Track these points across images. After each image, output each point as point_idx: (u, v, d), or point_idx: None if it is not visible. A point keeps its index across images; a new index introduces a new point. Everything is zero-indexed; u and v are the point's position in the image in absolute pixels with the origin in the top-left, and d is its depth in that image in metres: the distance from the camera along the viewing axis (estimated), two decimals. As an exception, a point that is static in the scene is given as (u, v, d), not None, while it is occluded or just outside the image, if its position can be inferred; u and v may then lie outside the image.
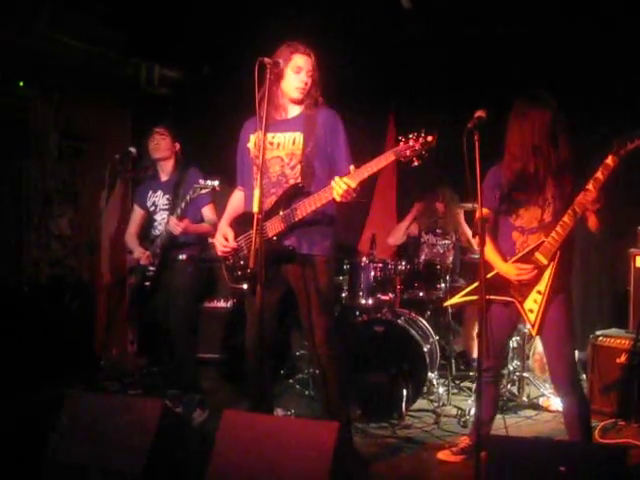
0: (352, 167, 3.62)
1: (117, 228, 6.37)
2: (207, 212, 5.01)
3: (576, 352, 3.98)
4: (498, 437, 3.01)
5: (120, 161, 4.94)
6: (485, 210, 3.51)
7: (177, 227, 4.71)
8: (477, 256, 5.48)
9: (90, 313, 5.91)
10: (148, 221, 5.18)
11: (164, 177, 5.12)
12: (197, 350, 5.37)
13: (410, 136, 3.47)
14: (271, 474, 2.83)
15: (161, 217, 5.02)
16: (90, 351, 5.72)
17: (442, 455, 4.17)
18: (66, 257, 6.26)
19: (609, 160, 3.49)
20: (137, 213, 5.27)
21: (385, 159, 3.53)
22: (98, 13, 6.19)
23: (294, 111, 3.93)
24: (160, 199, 5.07)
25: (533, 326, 3.73)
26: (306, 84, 3.84)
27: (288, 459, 2.83)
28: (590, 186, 3.51)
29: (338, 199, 3.55)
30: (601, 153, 3.55)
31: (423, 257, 5.99)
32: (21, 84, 5.69)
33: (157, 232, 5.03)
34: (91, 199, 6.56)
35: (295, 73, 3.82)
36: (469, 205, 5.72)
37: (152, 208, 5.08)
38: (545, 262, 3.69)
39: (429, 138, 3.44)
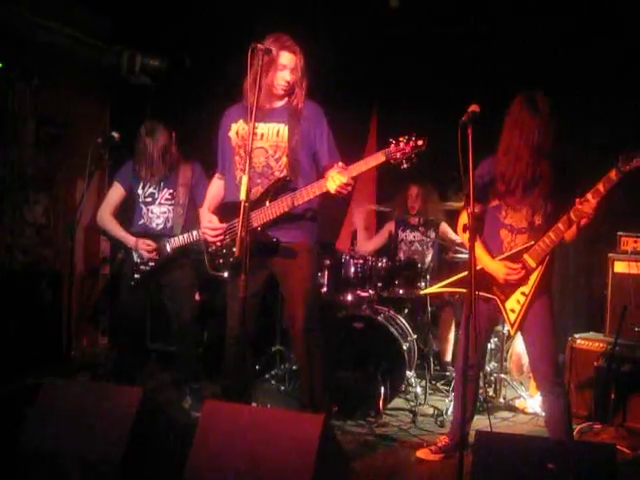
0: (340, 164, 3.61)
1: (92, 217, 6.26)
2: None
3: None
4: (485, 433, 2.98)
5: (102, 146, 4.83)
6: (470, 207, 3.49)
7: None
8: (459, 255, 5.49)
9: (62, 303, 5.79)
10: (131, 206, 5.00)
11: (165, 169, 4.92)
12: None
13: (401, 139, 3.46)
14: (253, 465, 2.77)
15: (160, 210, 4.85)
16: (60, 341, 5.61)
17: (421, 453, 4.14)
18: (40, 245, 6.14)
19: (612, 174, 3.49)
20: (118, 193, 4.97)
21: (375, 159, 3.53)
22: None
23: (278, 103, 3.89)
24: (160, 192, 4.87)
25: (512, 325, 3.75)
26: (288, 82, 3.79)
27: (271, 450, 2.78)
28: (590, 197, 3.52)
29: (333, 192, 3.55)
30: (598, 162, 3.56)
31: (402, 255, 5.97)
32: (0, 65, 5.56)
33: (154, 225, 4.85)
34: (67, 187, 6.46)
35: (279, 71, 3.77)
36: (452, 204, 5.71)
37: (148, 198, 4.87)
38: (533, 265, 3.71)
39: (420, 142, 3.44)
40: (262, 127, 3.81)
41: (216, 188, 4.09)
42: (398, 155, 3.44)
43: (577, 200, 3.55)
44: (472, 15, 5.95)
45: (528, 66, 5.81)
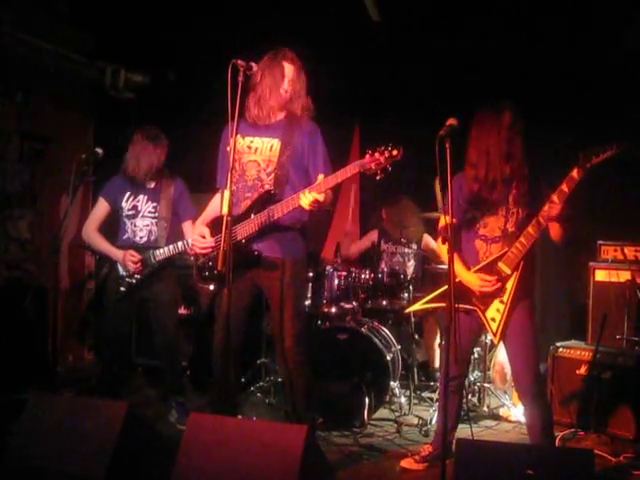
0: (320, 176, 3.65)
1: (77, 232, 6.27)
2: (188, 228, 4.97)
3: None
4: (466, 441, 3.02)
5: (86, 162, 4.85)
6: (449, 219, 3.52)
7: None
8: (441, 265, 5.54)
9: (47, 318, 5.79)
10: (116, 221, 5.03)
11: (148, 183, 4.98)
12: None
13: (376, 149, 3.50)
14: (238, 476, 2.80)
15: (143, 223, 4.90)
16: (46, 356, 5.60)
17: (405, 463, 4.17)
18: (25, 261, 6.14)
19: (574, 173, 3.53)
20: (103, 208, 5.03)
21: (349, 171, 3.57)
22: (64, 15, 6.13)
23: (275, 117, 3.94)
24: (144, 204, 4.92)
25: (495, 334, 3.78)
26: (286, 92, 3.86)
27: (256, 462, 2.80)
28: (555, 198, 3.56)
29: (306, 208, 3.61)
30: (567, 163, 3.61)
31: (383, 266, 6.02)
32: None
33: (137, 239, 4.89)
34: (51, 202, 6.47)
35: (279, 80, 3.85)
36: (433, 214, 5.76)
37: (131, 212, 4.91)
38: (508, 272, 3.74)
39: (394, 152, 3.47)
40: (257, 141, 3.89)
41: (217, 201, 4.10)
42: (373, 166, 3.48)
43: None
44: (454, 29, 6.01)
45: (508, 78, 5.88)
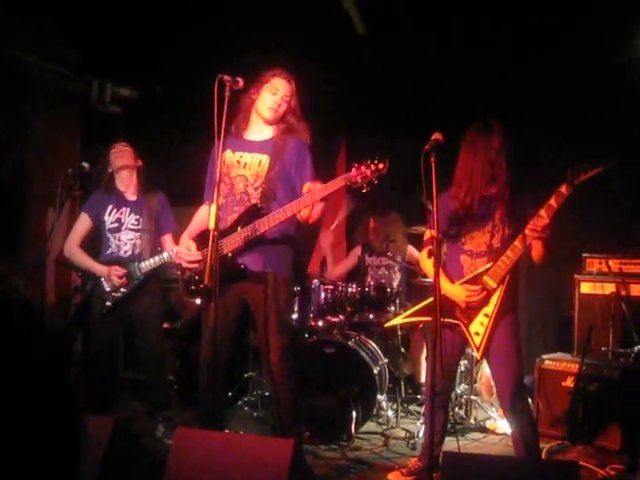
0: (307, 185, 3.68)
1: (63, 246, 6.25)
2: (168, 241, 4.99)
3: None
4: (452, 454, 3.02)
5: (72, 176, 4.86)
6: (434, 232, 3.53)
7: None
8: (426, 279, 5.55)
9: (32, 333, 5.75)
10: (98, 236, 5.04)
11: (130, 196, 4.99)
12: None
13: (362, 163, 3.53)
14: (225, 492, 2.79)
15: (127, 237, 4.91)
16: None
17: (392, 476, 4.17)
18: (10, 274, 6.11)
19: (563, 189, 3.57)
20: (85, 223, 5.03)
21: (336, 184, 3.60)
22: (51, 29, 6.13)
23: (266, 134, 3.97)
24: (126, 217, 4.93)
25: (478, 349, 3.77)
26: (279, 106, 3.92)
27: (243, 476, 2.80)
28: (543, 213, 3.59)
29: (298, 217, 3.67)
30: (550, 176, 3.65)
31: (369, 280, 6.03)
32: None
33: (122, 253, 4.89)
34: (36, 217, 6.45)
35: (271, 94, 3.92)
36: (419, 228, 5.78)
37: (114, 225, 4.92)
38: (494, 285, 3.75)
39: (380, 165, 3.51)
40: (247, 156, 3.93)
41: (202, 216, 4.13)
42: (359, 179, 3.52)
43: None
44: (440, 42, 6.05)
45: (494, 92, 5.93)
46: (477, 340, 3.77)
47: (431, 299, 3.73)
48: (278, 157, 3.89)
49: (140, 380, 5.59)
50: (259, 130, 4.00)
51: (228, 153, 3.98)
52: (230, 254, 3.75)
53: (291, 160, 3.92)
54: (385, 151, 3.61)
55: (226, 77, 3.50)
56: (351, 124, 7.27)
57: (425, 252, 3.90)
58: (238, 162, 3.92)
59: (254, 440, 3.07)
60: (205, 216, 4.08)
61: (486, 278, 3.76)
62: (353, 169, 3.55)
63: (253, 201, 3.84)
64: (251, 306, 3.92)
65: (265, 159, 3.90)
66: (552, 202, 3.58)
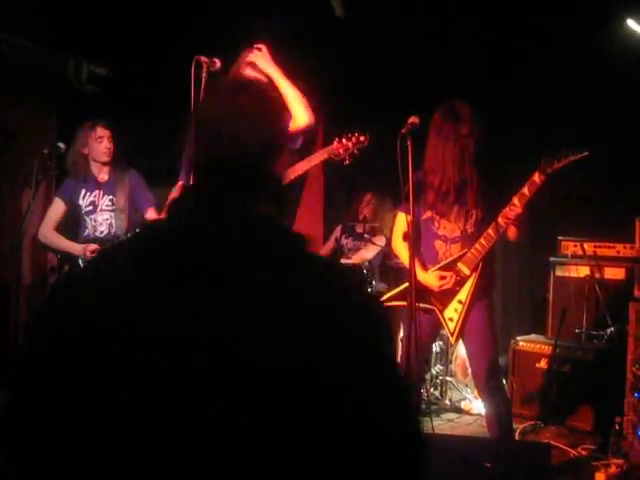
0: None
1: (39, 228, 6.21)
2: (151, 215, 4.96)
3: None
4: (425, 435, 3.06)
5: (48, 157, 4.82)
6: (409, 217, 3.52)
7: None
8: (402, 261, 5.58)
9: (9, 314, 5.73)
10: (73, 220, 5.02)
11: (102, 177, 4.97)
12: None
13: (344, 136, 3.56)
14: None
15: (103, 218, 4.87)
16: (8, 352, 5.55)
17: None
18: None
19: (536, 177, 3.57)
20: (59, 208, 5.00)
21: (318, 157, 3.62)
22: (24, 5, 6.04)
23: None
24: (100, 199, 4.88)
25: (452, 334, 3.80)
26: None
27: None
28: (516, 201, 3.59)
29: None
30: (530, 168, 3.66)
31: (345, 261, 6.03)
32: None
33: (98, 233, 4.85)
34: (12, 198, 6.39)
35: (251, 68, 3.85)
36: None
37: (89, 208, 4.88)
38: (467, 272, 3.75)
39: (362, 138, 3.56)
40: None
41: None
42: (341, 151, 3.56)
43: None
44: (419, 24, 6.05)
45: (474, 76, 5.94)
46: (451, 326, 3.79)
47: (406, 284, 3.74)
48: None
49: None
50: None
51: None
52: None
53: None
54: (365, 128, 3.63)
55: (203, 58, 3.49)
56: (330, 104, 7.24)
57: (399, 235, 3.90)
58: None
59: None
60: None
61: (460, 265, 3.76)
62: (335, 142, 3.58)
63: None
64: None
65: None
66: (525, 191, 3.58)
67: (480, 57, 6.00)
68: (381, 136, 3.95)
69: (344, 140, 3.55)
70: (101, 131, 4.86)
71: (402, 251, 3.93)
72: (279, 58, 4.04)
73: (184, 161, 4.11)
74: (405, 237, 3.50)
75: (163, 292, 1.26)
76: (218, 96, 1.53)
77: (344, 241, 6.32)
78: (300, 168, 3.61)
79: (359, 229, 6.29)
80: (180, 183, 4.13)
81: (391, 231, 6.16)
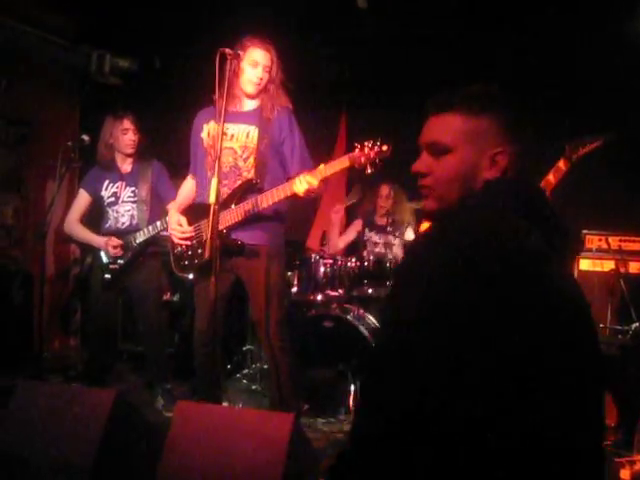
0: (321, 165, 3.64)
1: (63, 219, 6.25)
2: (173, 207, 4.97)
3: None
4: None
5: (72, 149, 4.85)
6: None
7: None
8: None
9: (33, 304, 5.78)
10: (97, 211, 5.05)
11: (125, 168, 5.00)
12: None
13: (366, 144, 3.52)
14: (225, 465, 2.81)
15: (125, 209, 4.91)
16: (32, 343, 5.60)
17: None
18: (10, 247, 6.12)
19: (561, 164, 3.55)
20: (84, 199, 5.07)
21: (340, 164, 3.59)
22: (48, -1, 6.08)
23: (249, 105, 3.93)
24: (122, 191, 4.92)
25: None
26: (261, 79, 3.84)
27: (242, 450, 2.82)
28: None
29: (302, 194, 3.60)
30: (553, 153, 3.62)
31: (368, 254, 6.01)
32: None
33: (120, 225, 4.90)
34: (36, 188, 6.44)
35: (252, 67, 3.82)
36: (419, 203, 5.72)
37: (111, 199, 4.93)
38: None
39: (384, 148, 3.50)
40: (232, 128, 3.83)
41: (188, 189, 4.13)
42: (362, 160, 3.51)
43: None
44: (442, 15, 6.00)
45: (495, 68, 5.88)
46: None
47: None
48: (266, 128, 3.84)
49: (139, 352, 5.62)
50: (242, 101, 3.93)
51: (212, 125, 3.94)
52: (224, 230, 3.72)
53: (280, 130, 3.87)
54: (386, 124, 3.59)
55: (227, 50, 3.47)
56: (352, 97, 7.21)
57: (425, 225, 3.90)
58: (224, 134, 3.82)
59: (254, 414, 3.09)
60: (191, 189, 4.09)
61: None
62: (356, 150, 3.53)
63: (247, 175, 3.81)
64: (244, 281, 3.91)
65: (253, 130, 3.84)
66: (550, 178, 3.56)
67: (510, 43, 5.93)
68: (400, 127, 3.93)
69: (366, 149, 3.50)
70: (127, 123, 4.89)
71: None
72: (299, 50, 4.01)
73: (192, 155, 4.12)
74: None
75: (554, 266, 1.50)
76: None
77: (368, 234, 6.28)
78: (326, 171, 3.60)
79: (380, 222, 6.26)
80: (189, 176, 4.14)
81: (410, 221, 6.22)
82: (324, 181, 3.66)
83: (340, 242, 6.46)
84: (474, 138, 1.65)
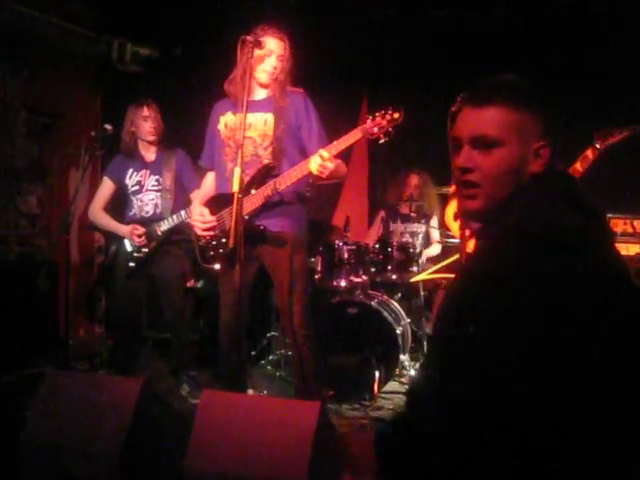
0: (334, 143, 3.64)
1: (87, 208, 6.29)
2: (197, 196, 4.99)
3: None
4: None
5: (95, 138, 4.87)
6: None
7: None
8: (452, 240, 5.54)
9: (59, 292, 5.83)
10: (121, 199, 5.08)
11: (149, 156, 5.02)
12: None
13: (377, 113, 3.51)
14: (251, 454, 2.82)
15: (149, 198, 4.93)
16: (58, 331, 5.65)
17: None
18: (35, 236, 6.17)
19: (589, 152, 3.52)
20: (108, 187, 5.08)
21: (353, 136, 3.58)
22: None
23: (261, 94, 3.92)
24: (147, 179, 4.94)
25: None
26: (275, 68, 3.81)
27: (268, 439, 2.83)
28: None
29: (315, 172, 3.57)
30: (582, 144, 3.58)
31: (393, 240, 5.99)
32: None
33: (144, 213, 4.93)
34: (60, 177, 6.48)
35: (266, 56, 3.79)
36: (446, 188, 5.72)
37: (135, 187, 4.95)
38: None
39: (396, 115, 3.50)
40: (250, 117, 3.77)
41: (210, 182, 4.12)
42: (375, 130, 3.50)
43: None
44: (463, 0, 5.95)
45: (515, 50, 5.82)
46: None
47: (456, 256, 3.71)
48: (282, 114, 3.82)
49: (164, 339, 5.65)
50: (255, 90, 3.91)
51: (229, 116, 3.93)
52: (247, 217, 3.71)
53: (296, 115, 3.86)
54: (408, 109, 3.57)
55: (249, 38, 3.46)
56: (373, 81, 7.17)
57: (450, 212, 3.88)
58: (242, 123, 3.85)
59: (281, 403, 3.11)
60: (212, 182, 4.08)
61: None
62: (368, 120, 3.53)
63: (265, 162, 3.81)
64: (269, 268, 3.91)
65: (270, 117, 3.83)
66: (578, 166, 3.54)
67: (536, 26, 5.86)
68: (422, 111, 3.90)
69: (378, 118, 3.50)
70: (147, 110, 4.90)
71: (455, 230, 3.90)
72: (319, 33, 3.98)
73: (207, 145, 4.12)
74: (456, 217, 3.46)
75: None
76: None
77: (392, 226, 6.26)
78: (336, 147, 3.58)
79: (404, 210, 6.24)
80: (209, 171, 4.14)
81: (435, 209, 6.20)
82: (339, 157, 3.64)
83: (372, 234, 6.44)
84: (521, 131, 1.63)
